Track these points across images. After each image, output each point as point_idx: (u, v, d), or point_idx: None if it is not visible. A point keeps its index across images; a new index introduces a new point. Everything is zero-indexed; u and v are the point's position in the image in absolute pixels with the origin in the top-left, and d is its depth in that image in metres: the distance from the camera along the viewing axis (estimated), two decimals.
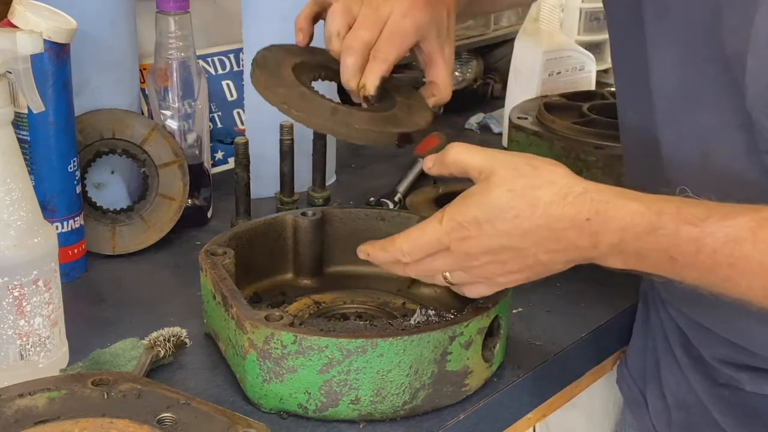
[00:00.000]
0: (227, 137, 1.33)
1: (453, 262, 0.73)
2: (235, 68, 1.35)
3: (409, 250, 0.73)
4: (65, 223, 0.98)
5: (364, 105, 0.83)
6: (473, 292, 0.77)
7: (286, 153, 1.13)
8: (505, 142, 1.44)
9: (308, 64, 0.86)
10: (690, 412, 0.89)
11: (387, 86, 0.85)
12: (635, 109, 0.85)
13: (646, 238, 0.66)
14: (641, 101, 0.82)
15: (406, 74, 1.56)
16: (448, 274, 0.75)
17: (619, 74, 0.90)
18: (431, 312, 0.79)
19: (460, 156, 0.73)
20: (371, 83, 0.82)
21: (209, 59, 1.33)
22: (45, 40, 0.87)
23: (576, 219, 0.67)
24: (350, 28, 0.81)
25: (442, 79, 0.88)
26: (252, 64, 0.84)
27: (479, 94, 1.71)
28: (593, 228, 0.67)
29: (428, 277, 0.77)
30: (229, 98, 1.35)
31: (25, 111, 0.92)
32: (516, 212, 0.68)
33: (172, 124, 1.11)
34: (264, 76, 0.82)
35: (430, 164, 0.76)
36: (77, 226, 1.00)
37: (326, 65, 0.87)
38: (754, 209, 0.64)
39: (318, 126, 0.81)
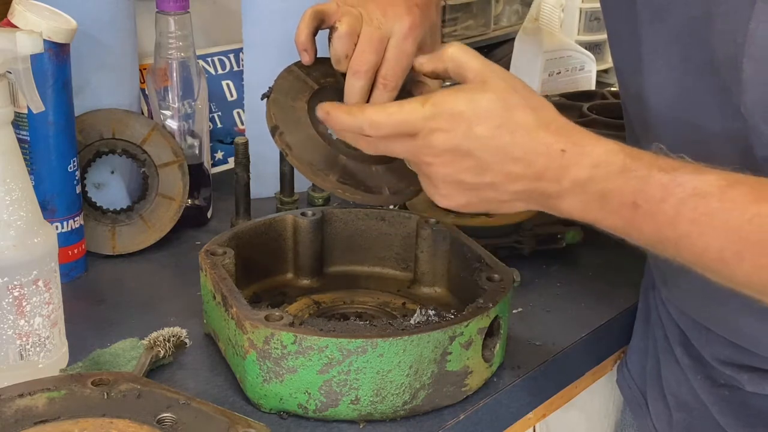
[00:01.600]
0: (227, 137, 1.33)
1: (411, 150, 0.69)
2: (235, 68, 1.35)
3: (378, 123, 0.69)
4: (65, 223, 0.98)
5: None
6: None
7: None
8: None
9: (316, 96, 0.84)
10: (691, 413, 0.89)
11: None
12: (634, 111, 0.85)
13: (615, 180, 0.64)
14: (639, 104, 0.82)
15: None
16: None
17: (619, 73, 0.90)
18: (431, 312, 0.79)
19: (460, 54, 0.71)
20: None
21: (209, 59, 1.33)
22: (45, 40, 0.87)
23: (552, 147, 0.66)
24: (354, 46, 0.81)
25: (432, 80, 0.88)
26: (279, 144, 0.81)
27: None
28: (565, 161, 0.65)
29: (379, 150, 0.73)
30: (229, 98, 1.35)
31: (25, 111, 0.92)
32: (500, 122, 0.66)
33: (172, 124, 1.11)
34: (303, 157, 0.80)
35: (423, 59, 0.74)
36: (77, 226, 1.00)
37: (328, 86, 0.86)
38: (727, 171, 0.63)
39: (373, 203, 0.85)
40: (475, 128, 0.66)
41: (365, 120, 0.70)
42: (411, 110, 0.68)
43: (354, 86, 0.80)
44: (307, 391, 0.75)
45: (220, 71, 1.34)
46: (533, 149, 0.66)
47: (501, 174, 0.67)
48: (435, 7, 0.87)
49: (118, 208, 1.08)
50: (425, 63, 0.74)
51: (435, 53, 0.73)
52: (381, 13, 0.80)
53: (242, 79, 1.28)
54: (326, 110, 0.74)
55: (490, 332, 0.81)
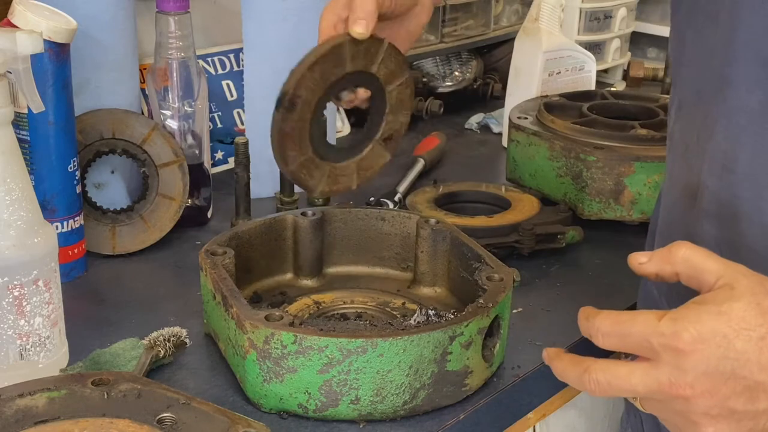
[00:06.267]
0: (227, 137, 1.33)
1: (657, 383, 0.57)
2: (235, 68, 1.35)
3: (608, 330, 0.60)
4: (65, 223, 0.98)
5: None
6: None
7: None
8: (505, 142, 1.44)
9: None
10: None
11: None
12: (708, 73, 0.75)
13: None
14: (717, 61, 0.73)
15: None
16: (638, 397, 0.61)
17: (689, 28, 0.79)
18: (431, 312, 0.79)
19: (695, 256, 0.61)
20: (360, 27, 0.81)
21: (209, 59, 1.33)
22: (45, 40, 0.87)
23: None
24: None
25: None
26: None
27: (479, 94, 1.71)
28: None
29: (612, 387, 0.60)
30: (229, 98, 1.35)
31: (25, 111, 0.92)
32: (763, 332, 0.56)
33: (172, 124, 1.11)
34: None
35: (644, 259, 0.63)
36: (77, 226, 1.00)
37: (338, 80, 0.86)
38: None
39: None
40: (735, 342, 0.56)
41: (594, 327, 0.61)
42: (643, 321, 0.58)
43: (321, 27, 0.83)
44: (307, 391, 0.75)
45: (220, 71, 1.34)
46: None
47: None
48: None
49: (118, 208, 1.08)
50: (647, 264, 0.63)
51: (663, 252, 0.62)
52: None
53: (242, 79, 1.28)
54: (588, 318, 0.63)
55: (490, 332, 0.81)
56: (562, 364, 0.63)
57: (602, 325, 0.60)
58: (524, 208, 1.13)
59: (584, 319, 0.62)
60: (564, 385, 0.93)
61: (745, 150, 0.71)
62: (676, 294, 0.86)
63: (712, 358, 0.56)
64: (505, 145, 1.37)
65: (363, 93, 0.86)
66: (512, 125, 1.25)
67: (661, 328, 0.57)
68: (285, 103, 0.79)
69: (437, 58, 1.69)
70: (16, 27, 0.89)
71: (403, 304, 0.93)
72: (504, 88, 1.53)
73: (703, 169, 0.75)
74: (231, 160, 1.27)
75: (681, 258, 0.61)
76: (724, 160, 0.72)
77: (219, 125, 1.33)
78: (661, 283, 0.88)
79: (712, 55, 0.74)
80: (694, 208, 0.77)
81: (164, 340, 0.83)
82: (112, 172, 1.10)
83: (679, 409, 0.58)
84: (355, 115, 1.56)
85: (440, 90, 1.67)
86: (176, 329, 0.84)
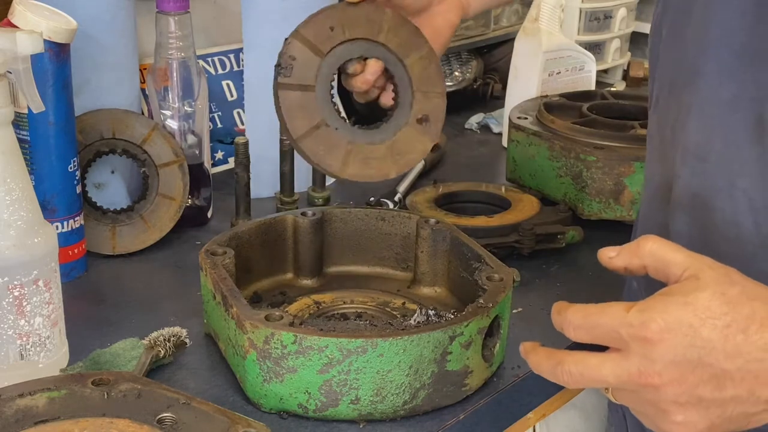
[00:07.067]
0: (227, 137, 1.33)
1: (626, 373, 0.58)
2: (235, 68, 1.35)
3: (578, 323, 0.61)
4: (65, 223, 0.98)
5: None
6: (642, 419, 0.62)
7: (286, 153, 1.13)
8: (505, 142, 1.44)
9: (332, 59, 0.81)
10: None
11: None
12: (679, 63, 0.77)
13: None
14: (696, 55, 0.74)
15: None
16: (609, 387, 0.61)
17: (670, 20, 0.80)
18: (431, 312, 0.79)
19: (661, 249, 0.62)
20: None
21: (209, 59, 1.33)
22: (45, 40, 0.87)
23: None
24: None
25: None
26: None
27: (479, 94, 1.71)
28: None
29: (584, 377, 0.61)
30: (229, 98, 1.35)
31: (25, 111, 0.92)
32: (728, 321, 0.56)
33: (172, 124, 1.11)
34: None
35: (613, 253, 0.64)
36: (77, 226, 1.00)
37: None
38: None
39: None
40: (701, 331, 0.56)
41: (565, 321, 0.63)
42: (612, 313, 0.59)
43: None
44: (307, 391, 0.75)
45: (220, 71, 1.34)
46: None
47: (745, 381, 0.57)
48: None
49: (119, 208, 1.08)
50: (616, 258, 0.64)
51: (630, 247, 0.64)
52: None
53: (242, 79, 1.28)
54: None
55: (490, 332, 0.81)
56: (537, 358, 0.64)
57: (573, 318, 0.61)
58: (524, 208, 1.13)
59: (556, 313, 0.63)
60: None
61: (716, 140, 0.71)
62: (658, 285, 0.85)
63: (679, 347, 0.56)
64: (505, 145, 1.38)
65: (374, 64, 0.83)
66: (512, 125, 1.25)
67: (629, 318, 0.58)
68: (282, 68, 0.78)
69: None
70: (16, 27, 0.90)
71: (403, 304, 0.93)
72: (504, 88, 1.53)
73: (677, 160, 0.76)
74: (231, 160, 1.27)
75: (648, 251, 0.62)
76: (696, 150, 0.73)
77: (219, 125, 1.33)
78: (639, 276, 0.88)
79: (686, 47, 0.75)
80: (669, 201, 0.77)
81: (164, 340, 0.83)
82: (112, 172, 1.10)
83: (648, 398, 0.59)
84: (356, 114, 1.56)
85: None
86: (176, 329, 0.84)
